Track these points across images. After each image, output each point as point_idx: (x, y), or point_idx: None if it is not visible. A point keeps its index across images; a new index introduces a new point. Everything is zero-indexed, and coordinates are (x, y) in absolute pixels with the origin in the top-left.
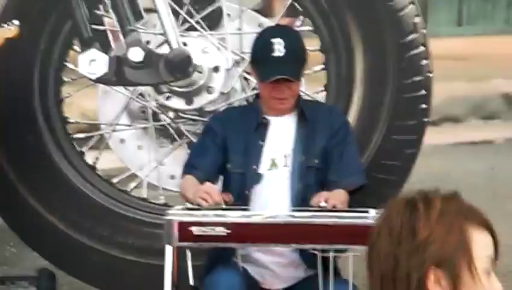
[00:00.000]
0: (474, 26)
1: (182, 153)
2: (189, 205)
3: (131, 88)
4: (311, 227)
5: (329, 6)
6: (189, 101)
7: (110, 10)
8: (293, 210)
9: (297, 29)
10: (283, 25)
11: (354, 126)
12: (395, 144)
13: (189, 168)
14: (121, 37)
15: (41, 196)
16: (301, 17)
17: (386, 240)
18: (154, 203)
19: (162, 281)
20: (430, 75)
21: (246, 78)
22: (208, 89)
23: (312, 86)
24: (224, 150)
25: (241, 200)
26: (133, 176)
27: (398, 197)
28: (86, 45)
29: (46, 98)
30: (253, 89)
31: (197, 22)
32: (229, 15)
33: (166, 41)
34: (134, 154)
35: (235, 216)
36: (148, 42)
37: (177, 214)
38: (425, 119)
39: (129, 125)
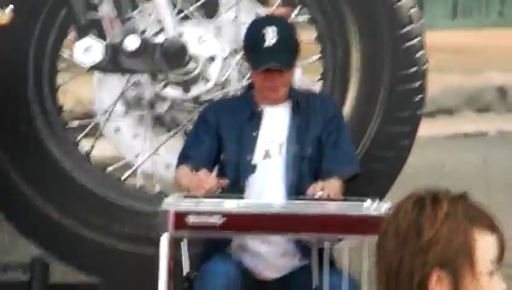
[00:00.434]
0: (469, 18)
1: (178, 142)
2: (184, 194)
3: (127, 76)
4: (307, 217)
5: None
6: (185, 90)
7: None
8: (289, 199)
9: (294, 19)
10: (275, 14)
11: (349, 117)
12: (389, 135)
13: (183, 158)
14: (117, 25)
15: (35, 184)
16: (298, 7)
17: (392, 239)
18: (149, 192)
19: (156, 270)
20: (425, 66)
21: (242, 65)
22: (204, 78)
23: (308, 76)
24: (218, 140)
25: (236, 190)
26: (128, 165)
27: (409, 194)
28: (81, 33)
29: (41, 85)
30: (249, 78)
31: (193, 11)
32: (225, 4)
33: (162, 30)
34: (129, 142)
35: (231, 205)
36: (143, 31)
37: (172, 203)
38: (420, 111)
39: (124, 114)
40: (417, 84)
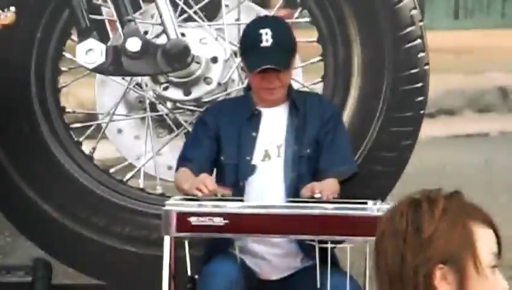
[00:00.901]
0: (471, 19)
1: (179, 144)
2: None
3: (128, 78)
4: (309, 218)
5: None
6: (187, 92)
7: (108, 0)
8: (289, 201)
9: (295, 20)
10: (271, 15)
11: (351, 118)
12: (391, 136)
13: (183, 161)
14: (119, 27)
15: (38, 185)
16: (299, 9)
17: (391, 239)
18: (151, 194)
19: (158, 271)
20: (427, 67)
21: (243, 69)
22: (206, 80)
23: (309, 77)
24: (217, 142)
25: (236, 191)
26: (130, 166)
27: (400, 199)
28: (83, 35)
29: (43, 87)
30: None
31: (195, 13)
32: (227, 5)
33: (164, 32)
34: (131, 144)
35: (233, 207)
36: (145, 32)
37: (175, 205)
38: (422, 112)
39: (126, 115)
40: (419, 85)
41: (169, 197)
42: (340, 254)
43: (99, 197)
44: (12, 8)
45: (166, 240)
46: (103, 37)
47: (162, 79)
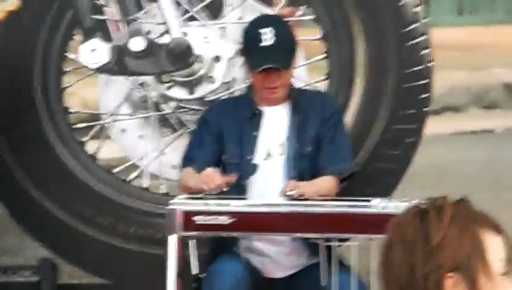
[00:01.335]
0: (475, 15)
1: (183, 143)
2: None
3: (132, 78)
4: (314, 216)
5: None
6: (190, 91)
7: (111, 0)
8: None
9: (299, 18)
10: (272, 14)
11: (355, 115)
12: (396, 133)
13: (187, 161)
14: (122, 27)
15: (42, 185)
16: (302, 7)
17: (399, 249)
18: (155, 193)
19: (163, 270)
20: (431, 64)
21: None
22: (209, 79)
23: (314, 75)
24: (220, 141)
25: (238, 190)
26: (134, 166)
27: (405, 209)
28: (87, 35)
29: (47, 87)
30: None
31: (198, 12)
32: (230, 4)
33: (167, 31)
34: (135, 144)
35: (238, 205)
36: (149, 32)
37: (180, 203)
38: (426, 109)
39: (130, 115)
40: (423, 82)
41: (173, 196)
42: (344, 252)
43: (103, 197)
44: None
45: (170, 239)
46: (107, 37)
47: (165, 78)
